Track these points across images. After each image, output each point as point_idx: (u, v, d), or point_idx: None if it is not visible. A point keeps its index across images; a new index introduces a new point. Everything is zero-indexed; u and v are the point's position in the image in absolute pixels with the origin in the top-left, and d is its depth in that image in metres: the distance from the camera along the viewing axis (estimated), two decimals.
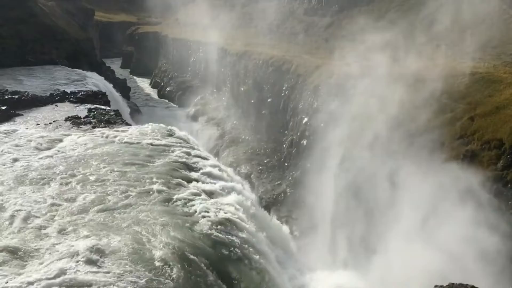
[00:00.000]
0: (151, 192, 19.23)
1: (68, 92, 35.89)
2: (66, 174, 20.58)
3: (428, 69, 23.61)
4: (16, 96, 32.98)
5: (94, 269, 13.86)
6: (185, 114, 52.55)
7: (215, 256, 16.14)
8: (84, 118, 29.26)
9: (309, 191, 27.30)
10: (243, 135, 40.95)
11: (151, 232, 16.11)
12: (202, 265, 15.34)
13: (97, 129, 27.05)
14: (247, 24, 54.44)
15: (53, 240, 15.41)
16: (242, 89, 43.51)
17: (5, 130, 26.68)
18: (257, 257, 17.78)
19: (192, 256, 15.37)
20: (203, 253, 15.86)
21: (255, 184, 33.08)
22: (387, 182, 20.69)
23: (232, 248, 16.99)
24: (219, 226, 17.62)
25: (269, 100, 37.49)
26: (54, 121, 28.73)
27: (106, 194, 18.80)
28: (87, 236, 15.56)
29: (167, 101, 64.04)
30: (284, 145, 34.42)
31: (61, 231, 15.95)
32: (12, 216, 16.83)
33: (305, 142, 30.41)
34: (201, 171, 22.49)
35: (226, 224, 17.99)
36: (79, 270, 13.72)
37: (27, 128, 27.40)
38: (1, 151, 23.31)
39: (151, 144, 24.79)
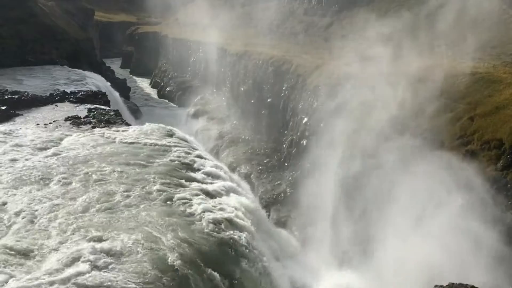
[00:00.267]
0: (151, 192, 19.26)
1: (68, 92, 35.92)
2: (66, 174, 20.60)
3: (428, 69, 23.61)
4: (16, 96, 33.00)
5: (97, 269, 13.89)
6: (185, 114, 52.52)
7: (215, 256, 16.17)
8: (84, 118, 29.28)
9: (309, 191, 27.30)
10: (243, 135, 40.94)
11: (151, 233, 16.11)
12: (203, 265, 15.37)
13: (97, 129, 27.07)
14: (247, 24, 54.44)
15: (55, 240, 15.43)
16: (242, 89, 43.51)
17: (5, 130, 26.69)
18: (258, 257, 17.81)
19: (192, 256, 15.40)
20: (203, 253, 15.88)
21: (255, 184, 33.07)
22: (387, 182, 20.68)
23: (232, 248, 17.02)
24: (219, 226, 17.66)
25: (269, 100, 37.49)
26: (54, 121, 28.75)
27: (107, 194, 18.82)
28: (89, 237, 15.59)
29: (167, 101, 64.04)
30: (284, 145, 34.42)
31: (62, 232, 15.97)
32: (13, 216, 16.85)
33: (305, 142, 30.40)
34: (201, 171, 22.51)
35: (226, 224, 18.03)
36: (81, 271, 13.76)
37: (27, 128, 27.41)
38: (1, 151, 23.33)
39: (151, 144, 24.81)
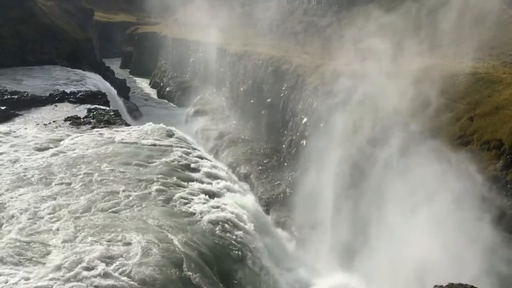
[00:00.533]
0: (151, 193, 19.25)
1: (68, 92, 35.92)
2: (66, 174, 20.59)
3: (428, 69, 23.62)
4: (16, 96, 32.99)
5: (98, 270, 13.90)
6: (184, 114, 52.52)
7: (215, 256, 16.16)
8: (83, 118, 29.27)
9: (308, 191, 27.30)
10: (243, 135, 40.94)
11: (151, 233, 16.10)
12: (203, 265, 15.36)
13: (96, 129, 27.06)
14: (247, 24, 54.45)
15: (55, 241, 15.44)
16: (241, 89, 43.51)
17: (4, 131, 26.67)
18: (257, 257, 17.81)
19: (192, 256, 15.39)
20: (203, 253, 15.88)
21: (255, 184, 33.08)
22: (386, 182, 20.69)
23: (232, 248, 17.03)
24: (219, 226, 17.66)
25: (268, 100, 37.50)
26: (53, 121, 28.74)
27: (106, 195, 18.81)
28: (89, 238, 15.59)
29: (166, 101, 64.03)
30: (284, 145, 34.43)
31: (63, 232, 15.96)
32: (13, 216, 16.85)
33: (304, 142, 30.42)
34: (201, 171, 22.51)
35: (226, 224, 18.02)
36: (82, 272, 13.78)
37: (26, 129, 27.39)
38: (0, 151, 23.32)
39: (151, 144, 24.79)
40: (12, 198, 18.25)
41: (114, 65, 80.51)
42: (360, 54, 28.55)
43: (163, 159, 22.84)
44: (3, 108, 30.23)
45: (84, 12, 67.94)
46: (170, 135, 26.78)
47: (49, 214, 17.11)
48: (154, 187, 19.69)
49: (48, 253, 14.74)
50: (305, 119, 31.06)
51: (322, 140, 27.30)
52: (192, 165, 22.88)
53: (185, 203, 18.75)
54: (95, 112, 30.70)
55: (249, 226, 19.12)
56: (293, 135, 32.68)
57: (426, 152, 19.39)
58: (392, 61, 25.27)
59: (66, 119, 28.94)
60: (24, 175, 20.41)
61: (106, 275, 13.69)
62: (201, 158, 24.17)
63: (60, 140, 25.24)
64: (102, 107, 32.93)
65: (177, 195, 19.30)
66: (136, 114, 51.23)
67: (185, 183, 20.72)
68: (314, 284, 22.51)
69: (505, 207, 16.76)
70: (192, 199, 19.24)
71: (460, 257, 16.67)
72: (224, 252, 16.63)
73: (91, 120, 28.78)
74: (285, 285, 20.36)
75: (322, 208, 25.48)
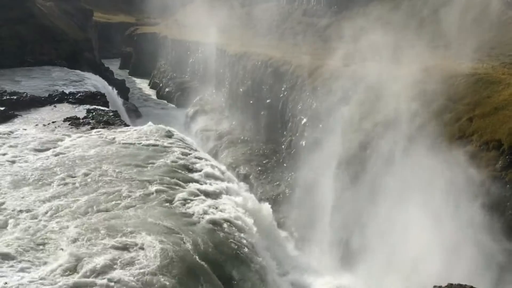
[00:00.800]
0: (150, 193, 19.23)
1: (67, 92, 35.89)
2: (65, 175, 20.56)
3: (427, 70, 23.63)
4: (15, 97, 32.97)
5: (95, 270, 13.90)
6: (184, 115, 52.54)
7: (214, 257, 16.14)
8: (83, 119, 29.25)
9: (308, 192, 27.31)
10: (242, 136, 40.95)
11: (150, 234, 16.08)
12: (202, 265, 15.35)
13: (96, 130, 27.03)
14: (246, 24, 54.47)
15: (56, 241, 15.44)
16: (241, 90, 43.51)
17: (3, 131, 26.65)
18: (257, 258, 17.80)
19: (191, 257, 15.38)
20: (202, 254, 15.85)
21: (254, 185, 33.08)
22: (386, 183, 20.70)
23: (231, 249, 17.01)
24: (218, 227, 17.64)
25: (268, 101, 37.50)
26: (52, 122, 28.71)
27: (106, 195, 18.79)
28: (90, 238, 15.60)
29: (166, 101, 64.02)
30: (283, 146, 34.43)
31: (63, 232, 15.96)
32: (12, 217, 16.85)
33: (304, 143, 30.42)
34: (200, 172, 22.48)
35: (225, 224, 18.00)
36: (87, 272, 13.84)
37: (25, 129, 27.38)
38: (0, 152, 23.31)
39: (150, 145, 24.78)
40: (11, 198, 18.23)
41: (114, 65, 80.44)
42: (359, 55, 28.58)
43: (163, 160, 22.81)
44: (2, 108, 30.21)
45: (83, 12, 67.85)
46: (169, 135, 26.76)
47: (49, 214, 17.09)
48: (154, 187, 19.67)
49: (51, 253, 14.76)
50: (304, 120, 31.08)
51: (321, 140, 27.30)
52: (192, 166, 22.86)
53: (185, 204, 18.73)
54: (94, 113, 30.67)
55: (249, 227, 19.11)
56: (293, 136, 32.69)
57: (426, 153, 19.41)
58: (391, 62, 25.29)
59: (65, 120, 28.92)
60: (24, 176, 20.40)
61: (102, 275, 13.69)
62: (201, 158, 24.15)
63: (59, 141, 25.22)
64: (101, 107, 32.89)
65: (177, 196, 19.27)
66: (136, 114, 51.22)
67: (185, 184, 20.69)
68: (314, 284, 22.52)
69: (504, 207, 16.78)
70: (192, 199, 19.21)
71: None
72: (224, 253, 16.61)
73: (91, 121, 28.75)
74: (285, 285, 20.35)
75: (321, 208, 25.48)
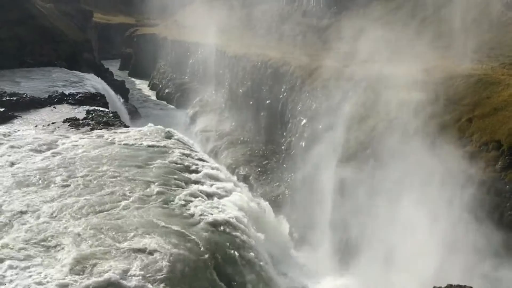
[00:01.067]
0: (150, 194, 19.26)
1: (67, 93, 35.92)
2: (65, 176, 20.57)
3: (427, 70, 23.65)
4: (15, 98, 33.00)
5: (92, 271, 13.90)
6: (184, 116, 52.54)
7: (214, 258, 16.15)
8: (82, 120, 29.26)
9: (308, 193, 27.29)
10: (242, 136, 40.94)
11: (150, 234, 16.10)
12: (202, 266, 15.35)
13: (95, 131, 27.04)
14: (246, 26, 54.48)
15: (60, 243, 15.46)
16: (240, 90, 43.50)
17: (3, 132, 26.65)
18: (256, 258, 17.80)
19: (191, 258, 15.38)
20: (202, 254, 15.86)
21: (254, 185, 33.08)
22: (385, 183, 20.70)
23: (231, 250, 17.01)
24: (218, 228, 17.66)
25: (267, 101, 37.49)
26: (52, 123, 28.72)
27: (106, 196, 18.82)
28: (92, 239, 15.62)
29: (165, 102, 63.99)
30: (283, 147, 34.41)
31: (66, 234, 15.98)
32: (13, 217, 16.85)
33: (303, 143, 30.40)
34: (200, 173, 22.50)
35: (225, 225, 18.01)
36: (92, 272, 13.88)
37: (25, 130, 27.38)
38: None
39: (150, 146, 24.79)
40: (12, 199, 18.23)
41: (113, 66, 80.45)
42: (359, 56, 28.58)
43: (163, 161, 22.83)
44: (2, 109, 30.23)
45: (83, 14, 67.91)
46: (169, 136, 26.77)
47: (51, 215, 17.14)
48: (154, 188, 19.68)
49: (57, 254, 14.84)
50: (304, 121, 31.07)
51: (321, 141, 27.29)
52: (192, 167, 22.87)
53: (185, 205, 18.75)
54: (94, 114, 30.68)
55: (248, 227, 19.11)
56: (292, 137, 32.67)
57: (426, 153, 19.42)
58: (391, 62, 25.30)
59: (65, 121, 28.93)
60: (23, 177, 20.40)
61: (101, 275, 13.73)
62: (200, 159, 24.16)
63: (58, 142, 25.21)
64: (101, 108, 32.90)
65: (177, 196, 19.30)
66: (135, 115, 51.20)
67: (185, 185, 20.71)
68: (314, 285, 22.51)
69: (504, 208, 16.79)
70: (192, 200, 19.23)
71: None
72: (223, 254, 16.62)
73: (90, 122, 28.77)
74: (285, 285, 20.34)
75: (321, 209, 25.47)
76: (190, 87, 59.64)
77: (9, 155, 23.06)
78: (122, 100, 51.12)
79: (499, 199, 17.00)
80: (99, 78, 49.52)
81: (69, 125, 28.15)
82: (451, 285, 12.84)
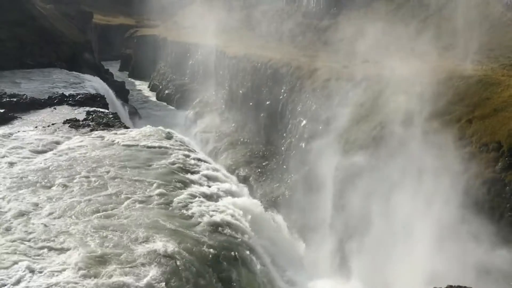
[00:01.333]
0: (150, 195, 19.26)
1: (67, 95, 35.92)
2: (65, 177, 20.57)
3: (426, 71, 23.67)
4: (15, 99, 32.98)
5: (97, 272, 13.92)
6: (183, 117, 52.55)
7: (214, 259, 16.16)
8: (82, 121, 29.27)
9: (308, 194, 27.30)
10: (242, 137, 40.95)
11: (150, 235, 16.11)
12: (202, 267, 15.36)
13: (95, 132, 27.04)
14: (246, 26, 54.51)
15: (63, 243, 15.47)
16: (240, 91, 43.52)
17: (3, 133, 26.65)
18: (257, 259, 17.80)
19: (191, 258, 15.39)
20: (202, 255, 15.88)
21: (254, 186, 33.08)
22: (385, 184, 20.71)
23: (231, 250, 17.01)
24: (218, 228, 17.66)
25: (267, 102, 37.50)
26: (52, 124, 28.72)
27: (106, 197, 18.82)
28: (93, 239, 15.64)
29: (165, 103, 63.99)
30: (283, 148, 34.42)
31: (69, 234, 15.99)
32: (13, 217, 16.86)
33: (303, 144, 30.42)
34: (200, 173, 22.50)
35: (225, 226, 18.02)
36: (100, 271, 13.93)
37: (25, 131, 27.37)
38: None
39: (150, 147, 24.79)
40: (12, 200, 18.24)
41: (113, 67, 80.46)
42: (359, 57, 28.61)
43: (162, 162, 22.83)
44: (2, 111, 30.20)
45: (83, 15, 67.95)
46: (169, 137, 26.78)
47: (53, 216, 17.16)
48: (153, 189, 19.69)
49: (61, 255, 14.85)
50: (304, 122, 31.08)
51: (321, 142, 27.30)
52: (191, 168, 22.87)
53: (185, 206, 18.75)
54: (94, 115, 30.68)
55: (248, 228, 19.11)
56: (292, 138, 32.68)
57: (426, 153, 19.42)
58: (391, 63, 25.32)
59: (65, 122, 28.93)
60: (24, 178, 20.40)
61: (101, 275, 13.77)
62: (200, 160, 24.16)
63: (59, 143, 25.22)
64: (101, 109, 32.90)
65: (177, 197, 19.30)
66: (135, 116, 51.22)
67: (185, 186, 20.71)
68: (314, 285, 22.49)
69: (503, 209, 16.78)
70: (191, 201, 19.23)
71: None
72: (223, 254, 16.61)
73: (90, 123, 28.76)
74: (284, 286, 20.32)
75: (322, 210, 25.47)
76: (190, 88, 59.63)
77: (9, 156, 23.05)
78: (122, 101, 51.16)
79: (499, 200, 17.00)
80: (99, 79, 49.52)
81: (69, 126, 28.15)
82: (451, 285, 12.83)
